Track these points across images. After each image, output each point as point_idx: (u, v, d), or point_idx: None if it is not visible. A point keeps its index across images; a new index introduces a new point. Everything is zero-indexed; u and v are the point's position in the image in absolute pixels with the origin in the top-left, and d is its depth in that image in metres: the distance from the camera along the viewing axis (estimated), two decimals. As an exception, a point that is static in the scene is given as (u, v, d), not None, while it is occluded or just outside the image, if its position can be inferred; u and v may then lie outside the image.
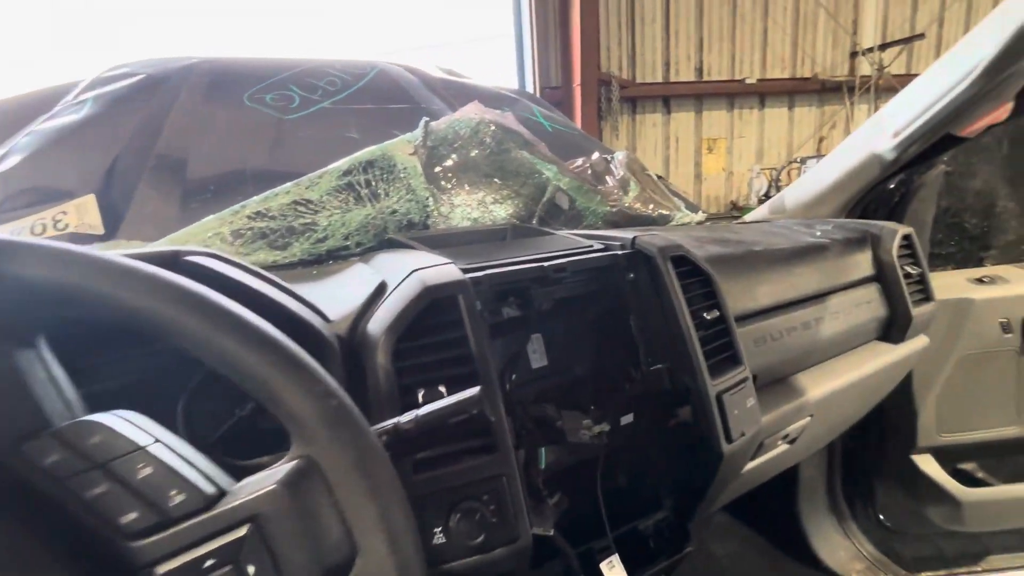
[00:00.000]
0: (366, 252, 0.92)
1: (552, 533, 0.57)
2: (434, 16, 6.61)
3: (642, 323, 0.75)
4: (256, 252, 0.91)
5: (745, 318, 0.86)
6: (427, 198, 1.00)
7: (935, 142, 1.09)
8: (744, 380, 0.73)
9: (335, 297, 0.62)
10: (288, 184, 0.97)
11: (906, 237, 1.12)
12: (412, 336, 0.53)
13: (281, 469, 0.32)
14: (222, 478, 0.32)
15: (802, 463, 1.52)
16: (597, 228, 1.22)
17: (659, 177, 1.88)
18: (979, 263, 1.61)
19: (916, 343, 1.13)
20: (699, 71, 7.13)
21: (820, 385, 0.93)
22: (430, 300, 0.55)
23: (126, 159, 1.22)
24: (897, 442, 1.52)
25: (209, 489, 0.30)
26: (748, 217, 1.49)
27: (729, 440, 0.68)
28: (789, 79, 7.49)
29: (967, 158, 1.55)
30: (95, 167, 1.20)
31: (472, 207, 1.14)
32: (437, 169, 1.08)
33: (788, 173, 7.25)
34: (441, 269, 0.59)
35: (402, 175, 0.99)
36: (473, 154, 1.15)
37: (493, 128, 1.19)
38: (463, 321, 0.55)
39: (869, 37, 7.54)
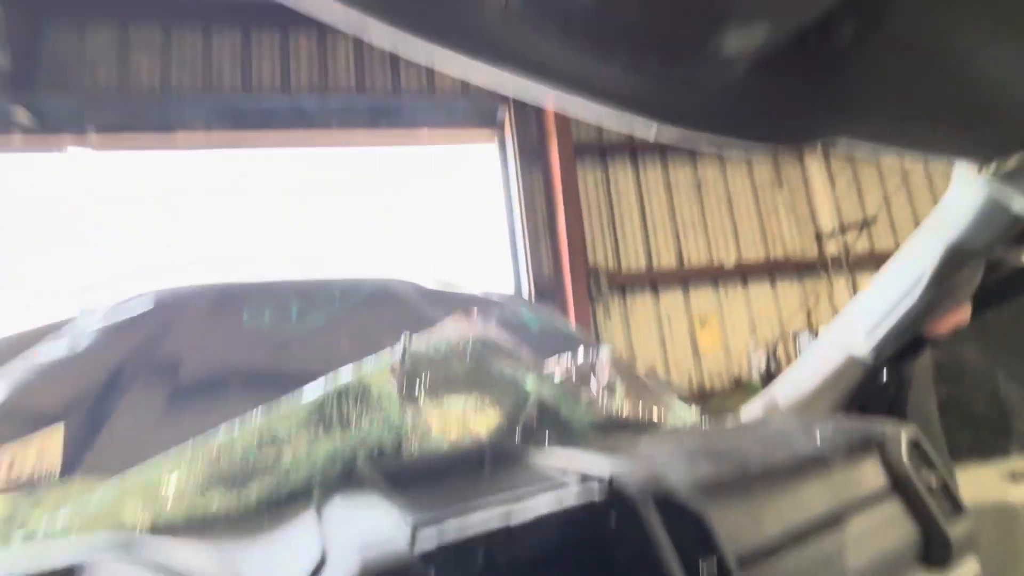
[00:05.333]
0: (326, 490, 0.85)
1: None
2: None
3: (630, 580, 0.64)
4: (209, 495, 0.84)
5: (753, 560, 0.74)
6: (401, 425, 0.96)
7: (910, 342, 1.10)
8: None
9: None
10: (259, 415, 0.94)
11: (914, 442, 1.05)
12: None
13: None
14: None
15: None
16: (585, 440, 1.15)
17: (648, 372, 1.87)
18: (1005, 453, 1.49)
19: (967, 569, 0.97)
20: (680, 258, 7.74)
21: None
22: None
23: (119, 380, 1.25)
24: None
25: None
26: (744, 416, 1.43)
27: None
28: (765, 261, 8.09)
29: (951, 344, 1.56)
30: (84, 391, 1.21)
31: (451, 427, 1.10)
32: (415, 391, 1.07)
33: (785, 347, 7.49)
34: (384, 544, 0.52)
35: (376, 402, 0.97)
36: (451, 371, 1.15)
37: (471, 342, 1.21)
38: None
39: (827, 221, 8.38)
